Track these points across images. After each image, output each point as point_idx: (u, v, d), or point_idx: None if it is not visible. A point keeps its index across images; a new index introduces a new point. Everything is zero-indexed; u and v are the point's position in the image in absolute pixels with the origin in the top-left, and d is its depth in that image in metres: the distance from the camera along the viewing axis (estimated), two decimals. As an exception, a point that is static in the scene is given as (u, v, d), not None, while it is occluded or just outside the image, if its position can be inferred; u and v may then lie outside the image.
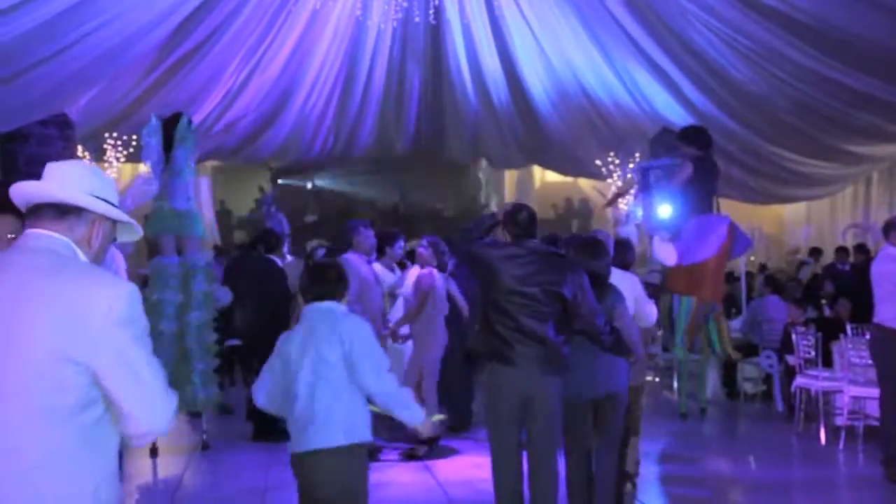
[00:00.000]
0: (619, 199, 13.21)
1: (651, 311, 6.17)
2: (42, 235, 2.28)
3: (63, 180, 2.33)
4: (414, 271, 7.73)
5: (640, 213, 11.15)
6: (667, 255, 8.59)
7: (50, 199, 2.29)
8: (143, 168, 7.73)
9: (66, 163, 2.40)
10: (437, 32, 14.45)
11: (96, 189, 2.35)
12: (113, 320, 2.16)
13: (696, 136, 8.73)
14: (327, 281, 4.04)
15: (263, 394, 4.03)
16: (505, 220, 4.94)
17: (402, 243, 8.04)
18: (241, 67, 13.58)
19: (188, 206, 7.45)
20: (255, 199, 18.81)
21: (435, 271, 7.44)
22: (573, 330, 4.83)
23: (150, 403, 2.24)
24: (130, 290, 2.23)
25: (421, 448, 7.29)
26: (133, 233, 2.53)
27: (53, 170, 2.36)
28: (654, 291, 8.99)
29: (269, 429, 7.32)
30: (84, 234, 2.32)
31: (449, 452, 7.45)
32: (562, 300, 4.71)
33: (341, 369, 3.81)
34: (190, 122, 7.54)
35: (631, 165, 14.37)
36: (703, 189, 8.71)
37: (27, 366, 2.13)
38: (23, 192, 2.33)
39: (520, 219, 4.87)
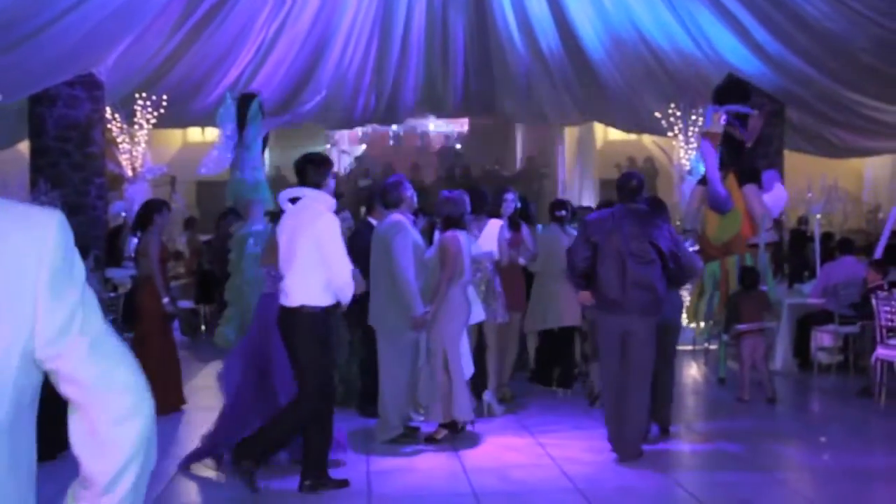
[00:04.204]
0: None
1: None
2: None
3: None
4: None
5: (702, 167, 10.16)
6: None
7: None
8: (217, 139, 8.58)
9: None
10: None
11: None
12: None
13: (733, 92, 8.62)
14: None
15: None
16: (617, 187, 6.08)
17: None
18: (271, 20, 12.83)
19: (255, 175, 8.20)
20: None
21: (460, 233, 6.38)
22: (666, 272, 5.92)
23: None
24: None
25: (441, 431, 6.42)
26: None
27: None
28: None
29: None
30: None
31: (473, 441, 6.52)
32: (659, 250, 5.80)
33: None
34: (261, 103, 8.39)
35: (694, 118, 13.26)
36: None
37: None
38: None
39: (630, 186, 6.02)
